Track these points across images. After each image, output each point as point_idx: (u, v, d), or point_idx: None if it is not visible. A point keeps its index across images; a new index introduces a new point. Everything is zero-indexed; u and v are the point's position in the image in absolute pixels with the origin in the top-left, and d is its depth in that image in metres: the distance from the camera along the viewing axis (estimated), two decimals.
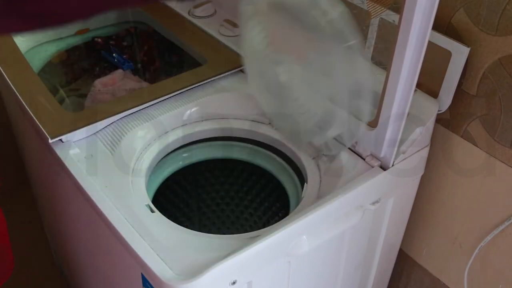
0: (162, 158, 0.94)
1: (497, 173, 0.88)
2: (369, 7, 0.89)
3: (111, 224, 0.74)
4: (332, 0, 0.69)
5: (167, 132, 0.94)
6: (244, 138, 0.99)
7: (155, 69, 1.26)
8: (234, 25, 1.10)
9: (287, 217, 0.79)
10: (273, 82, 0.86)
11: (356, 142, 0.85)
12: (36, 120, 0.86)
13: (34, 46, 1.15)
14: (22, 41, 1.12)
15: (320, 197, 0.81)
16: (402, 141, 0.82)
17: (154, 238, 0.72)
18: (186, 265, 0.69)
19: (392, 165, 0.84)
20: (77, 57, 1.22)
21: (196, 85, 0.97)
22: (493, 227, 0.92)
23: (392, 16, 0.86)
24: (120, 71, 1.15)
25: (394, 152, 0.82)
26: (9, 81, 0.95)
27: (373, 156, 0.84)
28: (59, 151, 0.85)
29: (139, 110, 0.92)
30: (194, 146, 1.00)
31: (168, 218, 0.77)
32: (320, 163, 0.88)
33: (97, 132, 0.89)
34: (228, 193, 1.16)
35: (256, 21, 0.81)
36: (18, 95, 0.91)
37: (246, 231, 0.99)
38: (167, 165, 0.98)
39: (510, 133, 0.83)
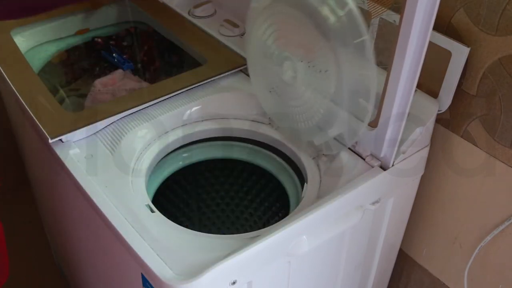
0: (162, 158, 0.94)
1: (497, 173, 0.88)
2: (370, 7, 0.89)
3: (111, 224, 0.74)
4: None
5: (167, 132, 0.94)
6: (244, 138, 0.99)
7: (155, 69, 1.26)
8: (234, 25, 1.10)
9: (287, 217, 0.79)
10: (276, 81, 0.86)
11: (356, 142, 0.85)
12: (36, 120, 0.86)
13: (34, 46, 1.15)
14: (22, 41, 1.12)
15: (320, 197, 0.81)
16: (402, 141, 0.82)
17: (154, 238, 0.72)
18: (186, 265, 0.69)
19: (392, 165, 0.84)
20: (77, 57, 1.22)
21: (196, 85, 0.97)
22: (493, 227, 0.92)
23: (392, 16, 0.86)
24: (120, 71, 1.15)
25: (394, 152, 0.82)
26: (9, 81, 0.95)
27: (373, 156, 0.84)
28: (59, 151, 0.85)
29: (139, 110, 0.92)
30: (194, 146, 1.00)
31: (168, 218, 0.77)
32: (320, 163, 0.88)
33: (97, 132, 0.89)
34: (228, 193, 1.16)
35: (265, 17, 0.81)
36: (18, 95, 0.91)
37: (246, 231, 0.99)
38: (167, 165, 0.98)
39: (510, 133, 0.83)
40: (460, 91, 0.87)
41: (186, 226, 0.76)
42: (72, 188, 0.83)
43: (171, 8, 1.20)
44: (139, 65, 1.26)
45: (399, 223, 1.03)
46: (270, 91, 0.89)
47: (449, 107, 0.88)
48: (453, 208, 0.99)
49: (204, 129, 0.96)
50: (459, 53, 0.82)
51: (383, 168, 0.84)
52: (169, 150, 0.95)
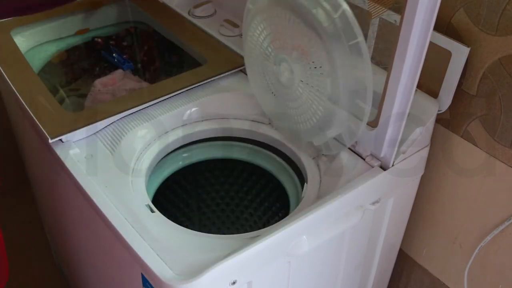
0: (162, 158, 0.94)
1: (497, 173, 0.88)
2: (370, 7, 0.89)
3: (111, 224, 0.74)
4: None
5: (167, 132, 0.94)
6: (244, 138, 0.99)
7: (155, 69, 1.26)
8: (234, 25, 1.10)
9: (287, 217, 0.79)
10: (274, 82, 0.86)
11: (356, 142, 0.85)
12: (36, 120, 0.86)
13: (34, 46, 1.15)
14: (22, 41, 1.12)
15: (320, 197, 0.81)
16: (402, 141, 0.82)
17: (154, 238, 0.72)
18: (186, 265, 0.69)
19: (392, 165, 0.84)
20: (77, 57, 1.22)
21: (196, 85, 0.97)
22: (493, 227, 0.92)
23: (393, 16, 0.86)
24: (120, 71, 1.15)
25: (394, 152, 0.82)
26: (9, 81, 0.95)
27: (373, 156, 0.84)
28: (59, 151, 0.85)
29: (139, 110, 0.92)
30: (194, 146, 1.00)
31: (168, 218, 0.77)
32: (320, 163, 0.88)
33: (97, 132, 0.89)
34: (228, 193, 1.16)
35: (260, 19, 0.81)
36: (18, 95, 0.91)
37: (246, 231, 0.99)
38: (167, 165, 0.98)
39: (510, 133, 0.83)
40: (460, 91, 0.87)
41: (186, 226, 0.76)
42: (72, 188, 0.83)
43: (171, 8, 1.20)
44: (139, 65, 1.26)
45: (399, 223, 1.03)
46: (268, 92, 0.89)
47: (449, 107, 0.88)
48: (453, 208, 0.99)
49: (204, 129, 0.96)
50: (459, 53, 0.82)
51: (383, 168, 0.84)
52: (169, 150, 0.95)
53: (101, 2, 1.22)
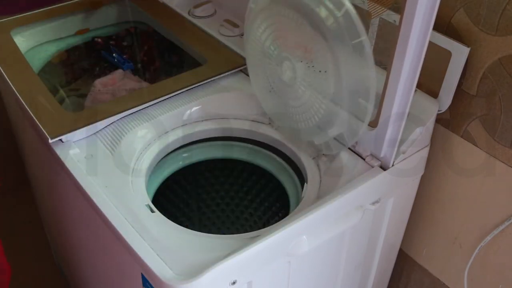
0: (162, 158, 0.94)
1: (497, 173, 0.88)
2: (370, 7, 0.89)
3: (111, 224, 0.74)
4: None
5: (167, 132, 0.94)
6: (244, 138, 0.99)
7: (155, 69, 1.26)
8: (234, 25, 1.10)
9: (287, 217, 0.79)
10: (276, 81, 0.86)
11: (356, 142, 0.85)
12: (36, 120, 0.86)
13: (34, 46, 1.15)
14: (22, 41, 1.12)
15: (320, 197, 0.81)
16: (402, 141, 0.82)
17: (154, 238, 0.72)
18: (186, 265, 0.69)
19: (392, 165, 0.84)
20: (77, 57, 1.22)
21: (196, 85, 0.97)
22: (493, 227, 0.92)
23: (392, 16, 0.86)
24: (120, 71, 1.15)
25: (394, 152, 0.82)
26: (9, 81, 0.95)
27: (373, 156, 0.84)
28: (59, 151, 0.85)
29: (139, 110, 0.92)
30: (194, 146, 1.00)
31: (168, 218, 0.77)
32: (320, 163, 0.88)
33: (97, 132, 0.89)
34: (228, 193, 1.16)
35: (262, 18, 0.81)
36: (18, 95, 0.91)
37: (246, 231, 0.99)
38: (167, 165, 0.98)
39: (510, 133, 0.83)
40: (460, 91, 0.87)
41: (186, 226, 0.76)
42: (72, 188, 0.83)
43: (171, 8, 1.20)
44: (139, 65, 1.26)
45: (399, 223, 1.03)
46: (269, 91, 0.89)
47: (449, 107, 0.88)
48: (453, 208, 0.99)
49: (204, 129, 0.96)
50: (459, 53, 0.82)
51: (383, 168, 0.84)
52: (169, 150, 0.95)
53: (101, 2, 1.22)
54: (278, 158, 0.98)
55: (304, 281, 0.89)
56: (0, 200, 1.67)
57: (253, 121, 0.97)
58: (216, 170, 1.12)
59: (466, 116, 0.89)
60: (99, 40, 1.22)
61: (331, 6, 0.71)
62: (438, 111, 0.87)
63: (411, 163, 0.87)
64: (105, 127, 0.90)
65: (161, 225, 0.76)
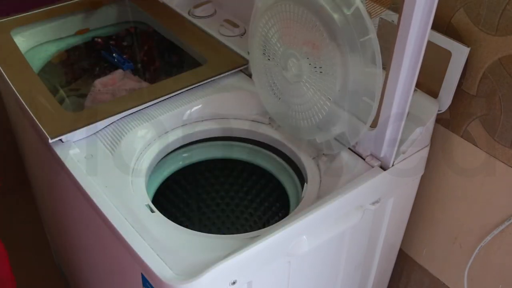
0: (162, 158, 0.94)
1: (497, 173, 0.88)
2: (369, 7, 0.89)
3: (111, 224, 0.74)
4: None
5: (167, 132, 0.94)
6: (244, 138, 0.99)
7: (155, 69, 1.26)
8: (234, 25, 1.10)
9: (287, 217, 0.79)
10: (280, 79, 0.86)
11: (356, 142, 0.85)
12: (36, 120, 0.86)
13: (34, 46, 1.15)
14: (22, 41, 1.12)
15: (320, 197, 0.81)
16: (402, 141, 0.82)
17: (154, 238, 0.72)
18: (186, 265, 0.69)
19: (392, 165, 0.84)
20: (77, 57, 1.22)
21: (196, 85, 0.97)
22: (493, 227, 0.92)
23: (391, 16, 0.86)
24: (120, 71, 1.15)
25: (394, 152, 0.82)
26: (9, 81, 0.95)
27: (373, 156, 0.84)
28: (59, 151, 0.85)
29: (139, 110, 0.92)
30: (194, 146, 1.00)
31: (168, 218, 0.77)
32: (320, 163, 0.88)
33: (97, 132, 0.89)
34: (228, 193, 1.16)
35: (270, 15, 0.81)
36: (18, 95, 0.91)
37: (246, 231, 0.99)
38: (167, 165, 0.98)
39: (510, 133, 0.83)
40: (460, 91, 0.87)
41: (186, 226, 0.76)
42: (72, 188, 0.83)
43: (171, 8, 1.20)
44: (139, 65, 1.26)
45: (399, 223, 1.03)
46: (272, 90, 0.89)
47: (449, 107, 0.88)
48: (453, 208, 0.99)
49: (204, 129, 0.96)
50: (459, 53, 0.82)
51: (383, 168, 0.84)
52: (169, 150, 0.95)
53: (101, 2, 1.22)
54: (278, 158, 0.98)
55: (304, 281, 0.89)
56: (0, 200, 1.67)
57: (253, 121, 0.97)
58: (216, 170, 1.12)
59: (466, 116, 0.89)
60: (99, 40, 1.23)
61: (340, 3, 0.72)
62: (438, 111, 0.87)
63: (411, 163, 0.87)
64: (105, 127, 0.90)
65: (161, 225, 0.76)
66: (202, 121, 0.97)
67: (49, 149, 0.86)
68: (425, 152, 0.90)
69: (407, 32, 0.67)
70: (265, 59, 0.87)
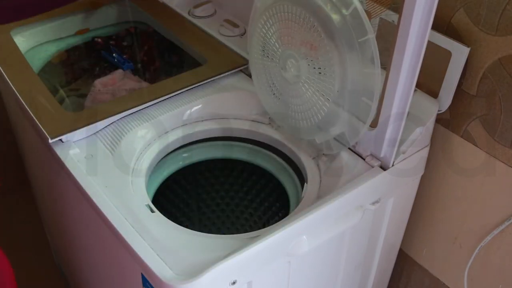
0: (162, 158, 0.94)
1: (497, 173, 0.88)
2: (369, 7, 0.89)
3: (111, 224, 0.74)
4: None
5: (167, 132, 0.94)
6: (244, 138, 0.99)
7: (155, 69, 1.26)
8: (234, 25, 1.10)
9: (287, 217, 0.79)
10: (279, 79, 0.86)
11: (356, 142, 0.85)
12: (36, 120, 0.86)
13: (34, 46, 1.15)
14: (22, 41, 1.12)
15: (320, 197, 0.81)
16: (402, 141, 0.82)
17: (154, 238, 0.72)
18: (186, 265, 0.69)
19: (392, 165, 0.84)
20: (77, 57, 1.22)
21: (196, 85, 0.97)
22: (493, 227, 0.92)
23: (391, 16, 0.86)
24: (120, 71, 1.15)
25: (394, 152, 0.82)
26: (9, 81, 0.95)
27: (373, 156, 0.84)
28: (59, 151, 0.85)
29: (139, 110, 0.92)
30: (194, 146, 1.00)
31: (168, 218, 0.77)
32: (320, 163, 0.88)
33: (97, 132, 0.89)
34: (228, 193, 1.16)
35: (268, 15, 0.82)
36: (18, 95, 0.91)
37: (246, 231, 0.99)
38: (167, 165, 0.98)
39: (510, 133, 0.83)
40: (460, 91, 0.87)
41: (186, 226, 0.76)
42: (72, 188, 0.83)
43: (171, 8, 1.20)
44: (139, 65, 1.26)
45: (399, 223, 1.03)
46: (272, 90, 0.89)
47: (449, 107, 0.88)
48: (453, 208, 0.99)
49: (204, 129, 0.96)
50: (459, 53, 0.82)
51: (383, 168, 0.84)
52: (169, 150, 0.95)
53: (101, 2, 1.22)
54: (278, 158, 0.98)
55: (304, 281, 0.89)
56: (0, 200, 1.67)
57: (253, 121, 0.97)
58: (216, 170, 1.12)
59: (466, 116, 0.89)
60: (99, 40, 1.23)
61: (338, 3, 0.72)
62: (438, 111, 0.87)
63: (411, 163, 0.87)
64: (105, 127, 0.90)
65: (161, 225, 0.76)
66: (202, 121, 0.97)
67: (49, 149, 0.86)
68: (425, 152, 0.90)
69: (407, 32, 0.67)
70: (264, 59, 0.87)
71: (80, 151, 0.85)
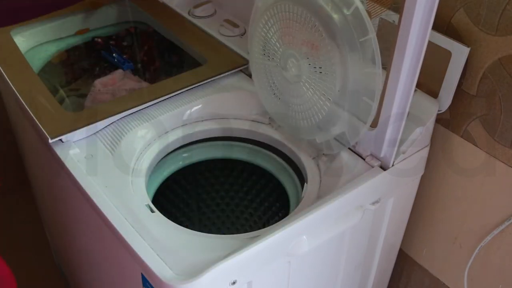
0: (162, 158, 0.94)
1: (497, 173, 0.88)
2: (369, 7, 0.89)
3: (111, 224, 0.74)
4: None
5: (167, 132, 0.94)
6: (244, 138, 0.99)
7: (155, 69, 1.26)
8: (234, 25, 1.10)
9: (287, 217, 0.79)
10: (280, 79, 0.86)
11: (356, 142, 0.85)
12: (36, 120, 0.86)
13: (34, 46, 1.15)
14: (22, 41, 1.12)
15: (320, 197, 0.81)
16: (402, 141, 0.82)
17: (154, 238, 0.72)
18: (186, 265, 0.69)
19: (392, 165, 0.84)
20: (77, 57, 1.22)
21: (196, 85, 0.97)
22: (493, 227, 0.92)
23: (392, 16, 0.86)
24: (120, 71, 1.15)
25: (394, 152, 0.82)
26: (9, 81, 0.95)
27: (373, 156, 0.84)
28: (59, 151, 0.85)
29: (139, 110, 0.92)
30: (194, 146, 1.00)
31: (168, 218, 0.77)
32: (320, 163, 0.88)
33: (97, 132, 0.89)
34: (228, 193, 1.16)
35: (270, 15, 0.82)
36: (18, 95, 0.91)
37: (246, 231, 0.99)
38: (167, 165, 0.98)
39: (510, 133, 0.83)
40: (460, 91, 0.87)
41: (186, 226, 0.76)
42: (72, 188, 0.83)
43: (171, 8, 1.20)
44: (139, 65, 1.26)
45: (399, 223, 1.03)
46: (272, 90, 0.89)
47: (449, 107, 0.88)
48: (453, 208, 0.99)
49: (204, 129, 0.96)
50: (459, 53, 0.82)
51: (383, 168, 0.84)
52: (169, 150, 0.95)
53: (101, 2, 1.22)
54: (278, 158, 0.98)
55: (304, 281, 0.89)
56: (0, 200, 1.67)
57: (253, 121, 0.97)
58: (216, 170, 1.12)
59: (466, 116, 0.89)
60: (99, 40, 1.23)
61: (339, 3, 0.72)
62: (438, 111, 0.87)
63: (411, 163, 0.87)
64: (105, 127, 0.90)
65: (161, 225, 0.76)
66: (202, 121, 0.97)
67: (49, 149, 0.86)
68: (425, 152, 0.90)
69: (408, 32, 0.67)
70: (265, 59, 0.87)
71: (80, 151, 0.85)
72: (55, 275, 1.54)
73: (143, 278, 0.73)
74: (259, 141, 0.98)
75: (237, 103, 0.98)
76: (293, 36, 0.79)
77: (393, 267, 1.14)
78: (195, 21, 1.15)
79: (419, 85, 0.85)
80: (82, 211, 0.87)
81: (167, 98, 0.95)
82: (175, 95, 0.95)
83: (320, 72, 0.78)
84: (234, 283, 0.71)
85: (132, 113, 0.92)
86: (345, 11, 0.71)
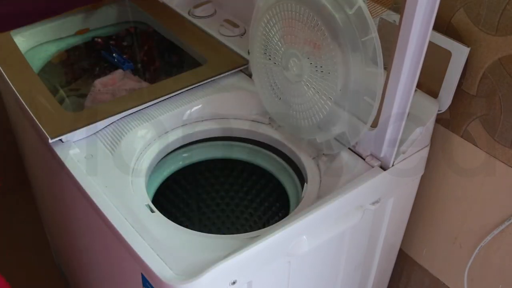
0: (162, 158, 0.94)
1: (497, 173, 0.88)
2: (370, 7, 0.89)
3: (111, 224, 0.74)
4: None
5: (167, 132, 0.94)
6: (244, 138, 0.99)
7: (155, 69, 1.26)
8: (234, 25, 1.10)
9: (287, 217, 0.79)
10: (281, 78, 0.86)
11: (356, 142, 0.85)
12: (36, 120, 0.86)
13: (34, 46, 1.15)
14: (22, 41, 1.12)
15: (320, 197, 0.81)
16: (402, 141, 0.82)
17: (154, 238, 0.72)
18: (186, 265, 0.69)
19: (392, 165, 0.84)
20: (77, 57, 1.22)
21: (196, 85, 0.97)
22: (493, 227, 0.92)
23: (392, 16, 0.86)
24: (120, 71, 1.15)
25: (394, 152, 0.82)
26: (9, 81, 0.95)
27: (373, 156, 0.84)
28: (59, 151, 0.85)
29: (139, 110, 0.92)
30: (194, 146, 1.00)
31: (168, 218, 0.77)
32: (320, 163, 0.88)
33: (97, 132, 0.89)
34: (228, 193, 1.16)
35: (272, 14, 0.82)
36: (18, 95, 0.91)
37: (246, 231, 0.99)
38: (167, 165, 0.98)
39: (510, 133, 0.83)
40: (460, 91, 0.87)
41: (186, 226, 0.76)
42: (72, 188, 0.83)
43: (171, 8, 1.20)
44: (139, 65, 1.26)
45: (399, 223, 1.03)
46: (273, 89, 0.89)
47: (449, 107, 0.88)
48: (453, 208, 0.99)
49: (204, 129, 0.96)
50: (459, 53, 0.82)
51: (383, 168, 0.84)
52: (169, 150, 0.95)
53: (101, 2, 1.22)
54: (278, 158, 0.98)
55: (304, 281, 0.89)
56: (0, 200, 1.67)
57: (253, 121, 0.97)
58: (216, 170, 1.12)
59: (466, 116, 0.89)
60: (99, 40, 1.23)
61: (342, 3, 0.72)
62: (438, 111, 0.87)
63: (411, 163, 0.87)
64: (105, 127, 0.90)
65: (161, 225, 0.76)
66: (202, 121, 0.97)
67: (49, 149, 0.86)
68: (425, 152, 0.90)
69: (409, 32, 0.67)
70: (266, 59, 0.87)
71: (80, 151, 0.85)
72: (55, 275, 1.54)
73: (143, 278, 0.73)
74: (259, 141, 0.98)
75: (237, 103, 0.98)
76: (295, 35, 0.79)
77: (393, 267, 1.14)
78: (195, 21, 1.15)
79: (419, 85, 0.85)
80: (82, 211, 0.87)
81: (167, 98, 0.95)
82: (175, 95, 0.95)
83: (322, 72, 0.78)
84: (234, 283, 0.71)
85: (132, 113, 0.92)
86: (347, 10, 0.71)
